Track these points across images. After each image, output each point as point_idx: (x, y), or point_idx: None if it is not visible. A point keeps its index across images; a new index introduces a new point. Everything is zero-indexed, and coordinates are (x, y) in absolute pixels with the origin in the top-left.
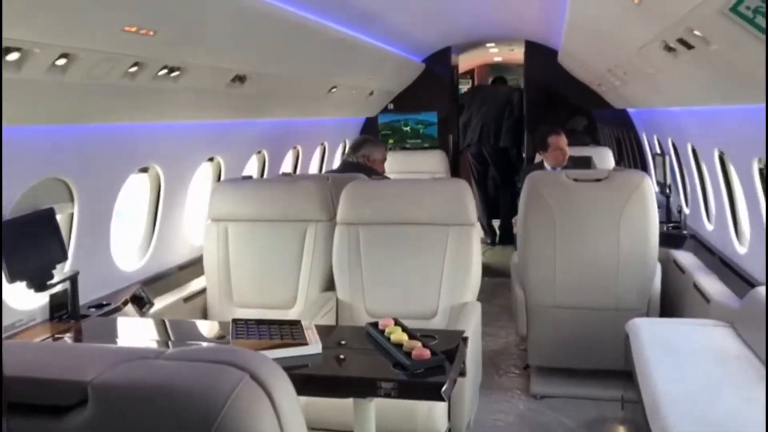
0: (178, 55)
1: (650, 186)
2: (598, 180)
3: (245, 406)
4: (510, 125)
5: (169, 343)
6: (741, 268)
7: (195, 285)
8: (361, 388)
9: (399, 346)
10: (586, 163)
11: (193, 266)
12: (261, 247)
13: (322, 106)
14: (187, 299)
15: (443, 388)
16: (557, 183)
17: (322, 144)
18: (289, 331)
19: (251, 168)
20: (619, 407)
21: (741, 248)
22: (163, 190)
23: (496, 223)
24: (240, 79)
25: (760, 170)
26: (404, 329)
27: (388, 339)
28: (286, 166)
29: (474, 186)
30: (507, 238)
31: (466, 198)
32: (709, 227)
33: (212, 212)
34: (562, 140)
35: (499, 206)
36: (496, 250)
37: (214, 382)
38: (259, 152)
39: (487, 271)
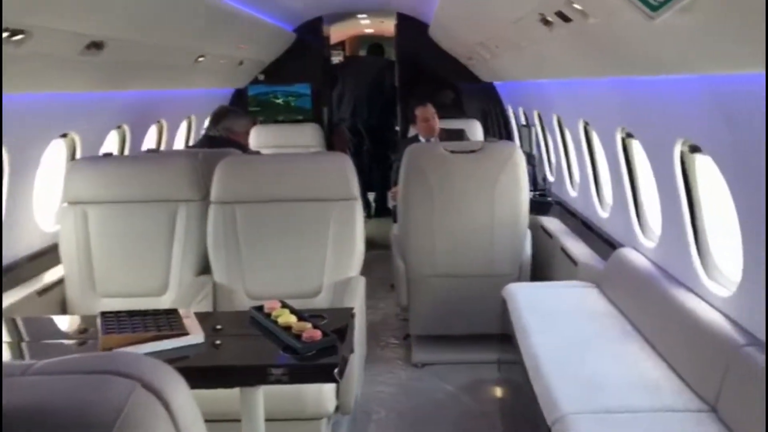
0: (21, 17)
1: (521, 156)
2: (473, 151)
3: (139, 419)
4: (383, 101)
5: (23, 345)
6: (604, 231)
7: (50, 276)
8: (250, 376)
9: (287, 329)
10: (459, 135)
11: (47, 255)
12: (126, 231)
13: (188, 77)
14: (42, 292)
15: (336, 369)
16: (435, 155)
17: (188, 117)
18: (165, 321)
19: (111, 145)
20: (495, 369)
21: (603, 213)
22: (7, 171)
23: (371, 196)
24: (96, 45)
25: (623, 139)
26: (292, 311)
27: (275, 322)
28: (150, 142)
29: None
30: (382, 210)
31: (348, 172)
32: (573, 194)
33: (68, 194)
34: (428, 111)
35: (372, 179)
36: (372, 222)
37: (100, 396)
38: (119, 127)
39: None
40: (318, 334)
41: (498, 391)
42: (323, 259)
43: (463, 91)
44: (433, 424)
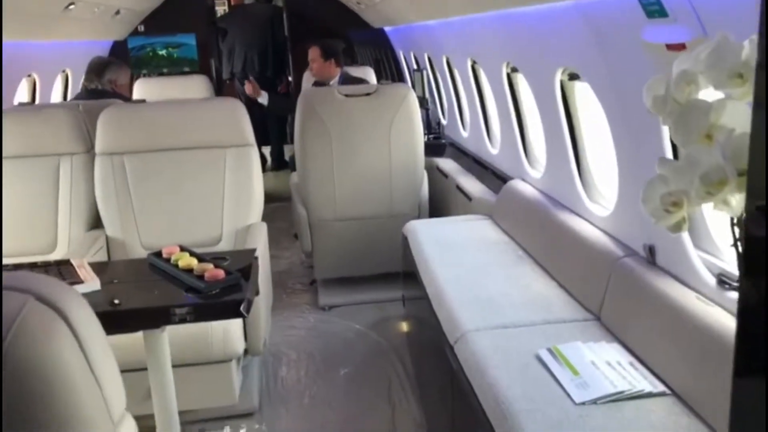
0: None
1: (414, 98)
2: (368, 94)
3: (35, 330)
4: (275, 50)
5: None
6: (496, 167)
7: None
8: (153, 318)
9: (189, 271)
10: (361, 81)
11: None
12: (6, 188)
13: (59, 27)
14: None
15: (242, 305)
16: (330, 99)
17: (63, 71)
18: (57, 271)
19: None
20: (401, 306)
21: (493, 150)
22: None
23: (266, 150)
24: None
25: (508, 74)
26: (192, 254)
27: (176, 266)
28: (21, 97)
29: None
30: (280, 163)
31: (241, 117)
32: (465, 134)
33: None
34: (312, 52)
35: (269, 133)
36: (269, 176)
37: None
38: None
39: (267, 196)
40: (221, 273)
41: (404, 326)
42: (221, 206)
43: (353, 39)
44: (342, 361)
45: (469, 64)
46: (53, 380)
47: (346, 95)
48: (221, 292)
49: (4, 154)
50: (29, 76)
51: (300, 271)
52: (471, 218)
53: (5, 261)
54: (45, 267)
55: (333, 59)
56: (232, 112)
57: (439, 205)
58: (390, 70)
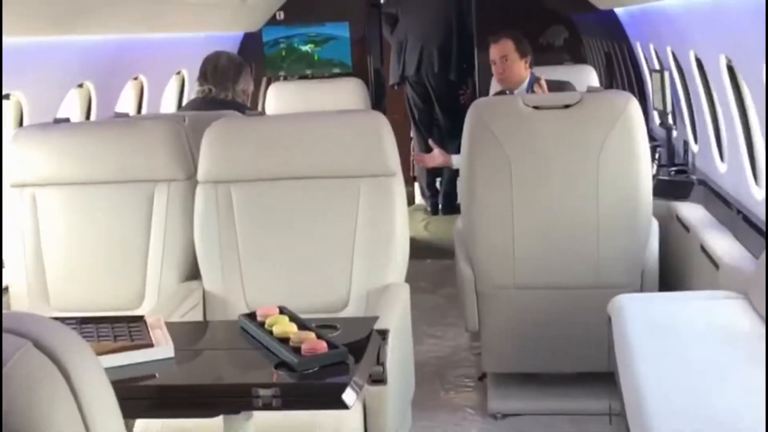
0: None
1: (638, 111)
2: (567, 106)
3: (26, 377)
4: (459, 46)
5: None
6: (758, 218)
7: None
8: (231, 399)
9: (285, 340)
10: (559, 89)
11: None
12: (87, 223)
13: (174, 16)
14: None
15: (345, 392)
16: (511, 112)
17: (179, 73)
18: (126, 330)
19: (70, 109)
20: (606, 421)
21: (759, 192)
22: None
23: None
24: None
25: None
26: (292, 318)
27: (270, 332)
28: (126, 105)
29: (414, 132)
30: (451, 204)
31: (383, 136)
32: (722, 168)
33: (12, 174)
34: (497, 49)
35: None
36: (440, 220)
37: None
38: (81, 86)
39: (430, 249)
40: (322, 345)
41: None
42: (349, 258)
43: (578, 27)
44: None
45: (723, 62)
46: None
47: (535, 107)
48: (320, 371)
49: (89, 179)
50: (135, 78)
51: (467, 359)
52: (716, 295)
53: (76, 314)
54: (113, 323)
55: (528, 57)
56: (375, 131)
57: (673, 273)
58: (625, 71)
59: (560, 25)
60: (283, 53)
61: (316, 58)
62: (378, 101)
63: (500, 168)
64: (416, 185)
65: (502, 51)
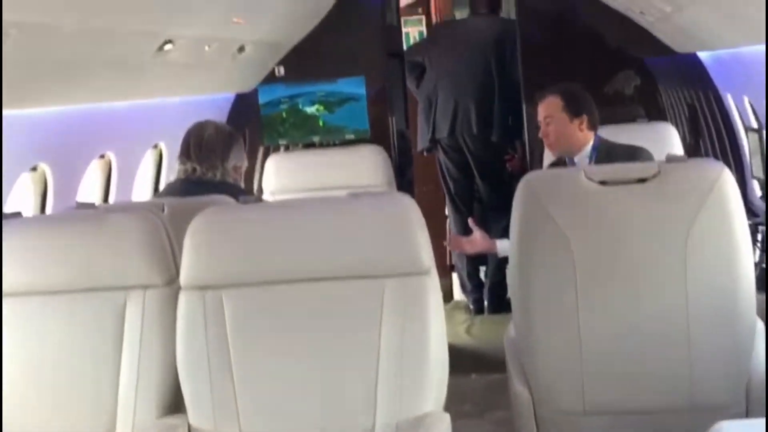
0: None
1: (732, 184)
2: (643, 180)
3: None
4: (502, 100)
5: None
6: None
7: None
8: None
9: None
10: (631, 157)
11: None
12: (44, 341)
13: (149, 79)
14: None
15: None
16: (571, 188)
17: (155, 146)
18: None
19: (21, 199)
20: None
21: None
22: None
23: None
24: None
25: None
26: None
27: None
28: (90, 191)
29: (450, 208)
30: (504, 299)
31: (412, 226)
32: None
33: None
34: (544, 107)
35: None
36: (486, 321)
37: None
38: (35, 169)
39: (475, 360)
40: None
41: None
42: (373, 381)
43: (654, 73)
44: None
45: None
46: None
47: (602, 182)
48: None
49: (48, 288)
50: (102, 157)
51: None
52: None
53: None
54: None
55: (584, 116)
56: (402, 220)
57: None
58: (715, 129)
59: (630, 70)
60: (284, 116)
61: (321, 124)
62: (403, 172)
63: (560, 258)
64: (455, 276)
65: (546, 110)
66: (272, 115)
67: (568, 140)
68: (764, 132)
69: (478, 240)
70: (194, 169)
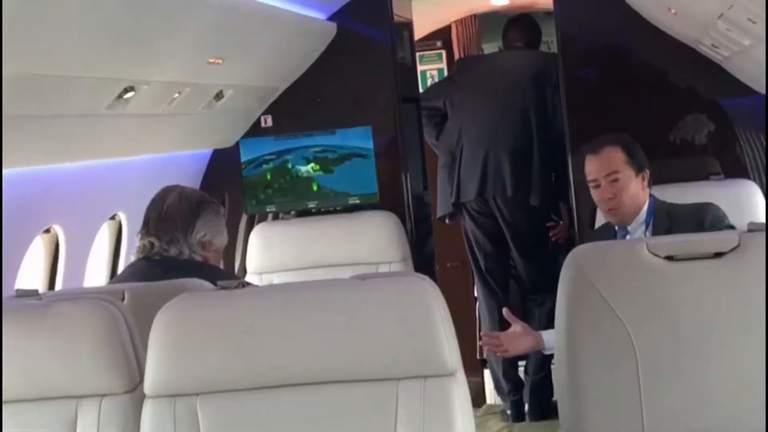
0: None
1: None
2: (719, 255)
3: None
4: (542, 154)
5: None
6: None
7: None
8: None
9: None
10: (698, 216)
11: None
12: None
13: (105, 134)
14: None
15: None
16: (630, 265)
17: (113, 217)
18: None
19: None
20: None
21: None
22: None
23: (522, 372)
24: None
25: None
26: None
27: None
28: (32, 276)
29: (479, 287)
30: (549, 402)
31: (432, 315)
32: None
33: None
34: (595, 162)
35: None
36: (528, 430)
37: None
38: None
39: None
40: None
41: None
42: None
43: (733, 117)
44: None
45: None
46: None
47: (668, 257)
48: None
49: None
50: (47, 231)
51: None
52: None
53: None
54: None
55: (647, 172)
56: (420, 308)
57: None
58: None
59: (702, 113)
60: (268, 177)
61: (315, 188)
62: (422, 244)
63: (618, 352)
64: (487, 374)
65: (608, 166)
66: (255, 176)
67: (636, 201)
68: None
69: (518, 336)
70: (152, 245)
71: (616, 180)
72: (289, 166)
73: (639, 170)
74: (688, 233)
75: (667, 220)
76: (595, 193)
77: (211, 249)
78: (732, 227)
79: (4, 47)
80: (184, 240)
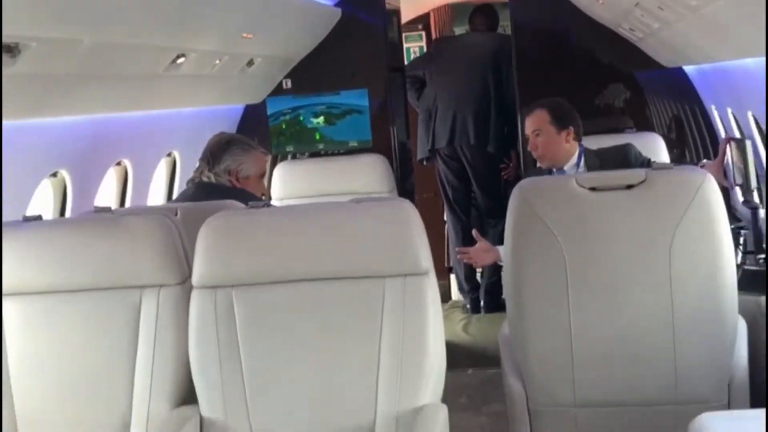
0: None
1: (716, 190)
2: (631, 186)
3: None
4: (498, 113)
5: None
6: None
7: None
8: None
9: None
10: (621, 156)
11: None
12: (61, 337)
13: (162, 90)
14: None
15: None
16: (563, 195)
17: (169, 154)
18: None
19: (43, 204)
20: None
21: None
22: None
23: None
24: (8, 50)
25: None
26: None
27: None
28: (107, 196)
29: (448, 213)
30: (499, 300)
31: (412, 230)
32: None
33: None
34: (531, 120)
35: None
36: (483, 320)
37: None
38: (55, 175)
39: (471, 357)
40: None
41: None
42: (375, 374)
43: (643, 86)
44: None
45: None
46: None
47: (592, 188)
48: None
49: (63, 287)
50: (118, 164)
51: None
52: None
53: None
54: None
55: (570, 128)
56: (402, 224)
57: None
58: (700, 139)
59: (620, 83)
60: (283, 127)
61: (318, 137)
62: (404, 180)
63: (552, 261)
64: (453, 278)
65: (534, 124)
66: (276, 126)
67: (556, 152)
68: (764, 137)
69: (484, 252)
70: (195, 173)
71: (538, 135)
72: (301, 118)
73: (562, 128)
74: (612, 169)
75: (597, 160)
76: (529, 145)
77: (239, 176)
78: (649, 160)
79: (88, 19)
80: (213, 169)
